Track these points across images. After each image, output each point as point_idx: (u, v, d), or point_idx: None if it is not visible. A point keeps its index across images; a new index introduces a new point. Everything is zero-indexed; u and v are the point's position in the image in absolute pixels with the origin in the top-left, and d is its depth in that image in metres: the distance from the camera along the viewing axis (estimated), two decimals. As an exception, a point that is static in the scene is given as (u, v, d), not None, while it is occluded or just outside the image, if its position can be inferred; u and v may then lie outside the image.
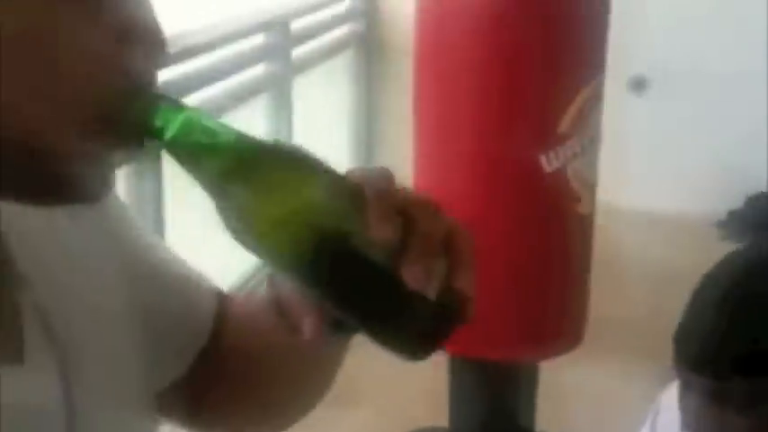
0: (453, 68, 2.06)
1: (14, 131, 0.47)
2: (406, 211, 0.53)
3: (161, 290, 0.71)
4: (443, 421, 2.47)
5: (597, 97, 2.11)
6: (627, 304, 3.32)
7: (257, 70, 3.39)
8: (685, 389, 1.21)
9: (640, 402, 2.58)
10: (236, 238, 0.52)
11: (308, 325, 0.57)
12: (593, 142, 2.13)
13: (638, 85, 4.23)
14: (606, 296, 2.41)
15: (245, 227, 0.52)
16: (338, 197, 0.52)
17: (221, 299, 0.76)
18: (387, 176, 0.54)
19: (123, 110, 0.50)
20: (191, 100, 2.47)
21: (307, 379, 0.73)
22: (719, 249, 4.26)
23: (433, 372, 2.56)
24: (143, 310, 0.68)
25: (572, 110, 2.02)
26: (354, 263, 0.52)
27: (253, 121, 3.47)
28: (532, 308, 2.16)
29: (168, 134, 0.51)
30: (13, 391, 0.51)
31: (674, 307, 3.42)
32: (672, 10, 4.12)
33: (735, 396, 1.13)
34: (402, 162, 1.98)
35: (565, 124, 2.03)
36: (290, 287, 0.60)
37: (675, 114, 4.25)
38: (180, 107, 0.52)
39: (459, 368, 2.39)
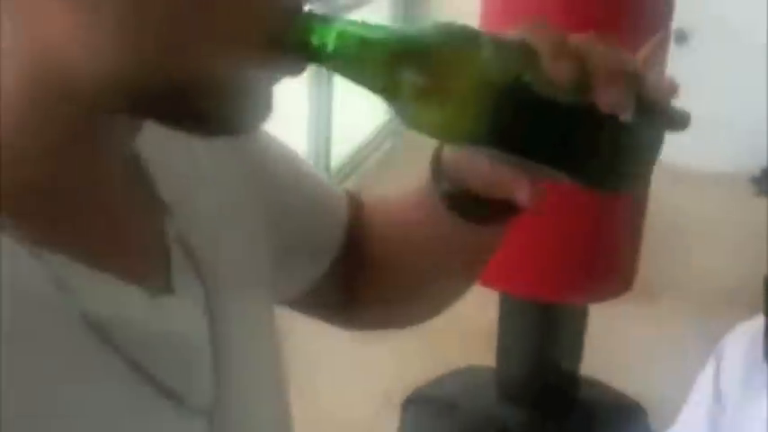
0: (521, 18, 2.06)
1: (177, 69, 0.47)
2: (581, 51, 0.52)
3: (294, 205, 0.71)
4: (490, 361, 2.51)
5: (664, 45, 2.10)
6: (666, 255, 3.35)
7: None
8: None
9: (680, 350, 2.62)
10: (421, 129, 0.52)
11: (522, 189, 0.58)
12: (656, 89, 2.12)
13: (680, 38, 4.22)
14: (645, 247, 2.44)
15: (426, 112, 0.51)
16: (508, 53, 0.52)
17: (356, 208, 0.77)
18: (548, 24, 0.53)
19: (283, 35, 0.49)
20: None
21: (463, 266, 0.74)
22: (754, 204, 4.33)
23: (483, 312, 2.60)
24: (276, 225, 0.68)
25: (639, 57, 2.01)
26: (545, 107, 0.51)
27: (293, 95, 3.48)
28: (585, 249, 2.18)
29: (328, 50, 0.51)
30: (162, 319, 0.52)
31: (711, 258, 3.48)
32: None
33: None
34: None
35: (632, 70, 2.02)
36: (480, 165, 0.60)
37: (712, 69, 4.24)
38: (329, 21, 0.51)
39: (510, 308, 2.42)
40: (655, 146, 0.54)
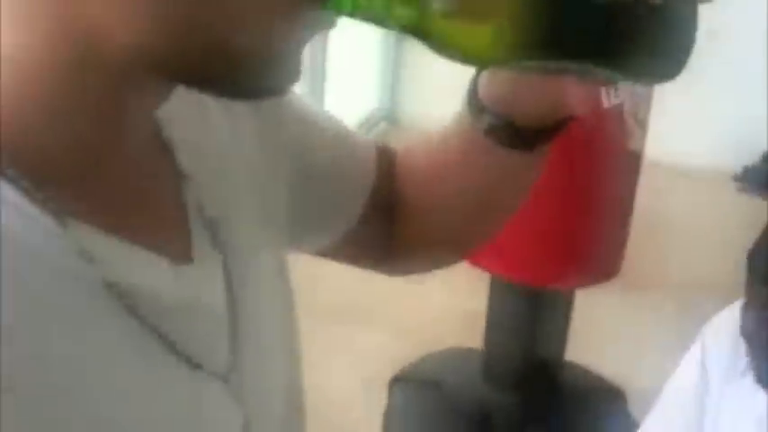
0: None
1: (211, 33, 0.46)
2: None
3: (317, 160, 0.71)
4: (477, 344, 2.53)
5: None
6: (650, 248, 3.38)
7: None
8: (749, 300, 1.30)
9: (659, 338, 2.66)
10: (462, 55, 0.50)
11: (575, 93, 0.57)
12: (649, 81, 2.15)
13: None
14: (630, 239, 2.47)
15: (465, 35, 0.49)
16: None
17: (387, 158, 0.76)
18: None
19: None
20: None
21: (510, 195, 0.74)
22: (736, 201, 4.37)
23: (472, 297, 2.64)
24: (299, 181, 0.68)
25: None
26: (578, 3, 0.49)
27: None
28: (574, 235, 2.20)
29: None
30: (183, 288, 0.53)
31: (693, 253, 3.52)
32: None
33: None
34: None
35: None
36: (524, 86, 0.60)
37: (697, 67, 4.28)
38: None
39: (499, 291, 2.43)
40: (691, 24, 0.53)
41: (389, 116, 4.70)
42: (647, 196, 2.63)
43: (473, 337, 2.55)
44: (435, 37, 0.50)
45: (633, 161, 2.22)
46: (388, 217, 0.76)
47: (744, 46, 4.09)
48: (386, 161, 0.76)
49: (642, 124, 2.18)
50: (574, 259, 2.24)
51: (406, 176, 0.76)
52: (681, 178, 4.20)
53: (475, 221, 0.76)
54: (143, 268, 0.51)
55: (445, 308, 3.06)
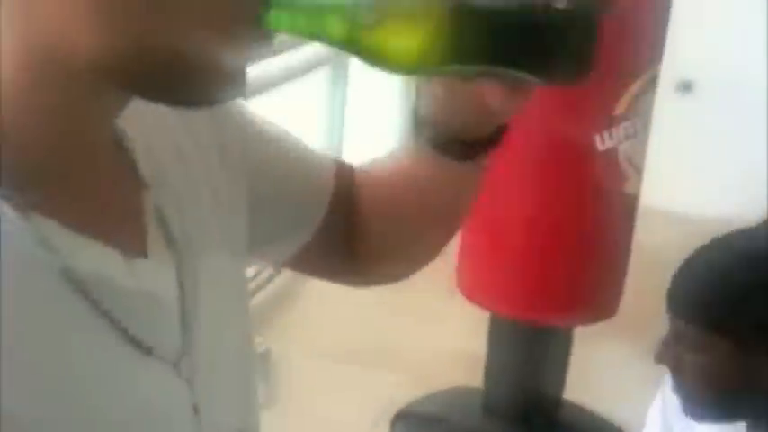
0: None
1: (160, 48, 0.50)
2: None
3: (275, 173, 0.74)
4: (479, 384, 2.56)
5: (652, 85, 2.14)
6: (646, 290, 3.41)
7: (317, 45, 3.51)
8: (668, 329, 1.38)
9: (656, 379, 2.67)
10: (394, 70, 0.54)
11: (492, 92, 0.60)
12: (644, 127, 2.17)
13: (685, 87, 4.32)
14: (638, 284, 2.50)
15: (396, 46, 0.53)
16: None
17: (346, 174, 0.80)
18: None
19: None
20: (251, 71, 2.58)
21: (455, 206, 0.78)
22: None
23: (475, 338, 2.68)
24: (258, 194, 0.72)
25: (628, 95, 2.06)
26: (492, 14, 0.53)
27: (312, 93, 3.61)
28: (574, 275, 2.23)
29: (289, 7, 0.52)
30: (136, 279, 0.56)
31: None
32: (723, 17, 4.22)
33: (689, 335, 1.29)
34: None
35: (620, 107, 2.08)
36: (454, 97, 0.65)
37: (716, 118, 4.34)
38: None
39: (499, 330, 2.46)
40: (593, 31, 0.57)
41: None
42: (660, 244, 2.67)
43: (477, 378, 2.58)
44: (364, 50, 0.54)
45: (629, 204, 2.26)
46: (348, 230, 0.79)
47: (745, 92, 4.14)
48: (344, 177, 0.80)
49: (637, 168, 2.24)
50: (573, 298, 2.27)
51: (363, 191, 0.80)
52: (696, 227, 4.23)
53: (423, 231, 0.80)
54: (99, 259, 0.54)
55: (449, 349, 3.10)
